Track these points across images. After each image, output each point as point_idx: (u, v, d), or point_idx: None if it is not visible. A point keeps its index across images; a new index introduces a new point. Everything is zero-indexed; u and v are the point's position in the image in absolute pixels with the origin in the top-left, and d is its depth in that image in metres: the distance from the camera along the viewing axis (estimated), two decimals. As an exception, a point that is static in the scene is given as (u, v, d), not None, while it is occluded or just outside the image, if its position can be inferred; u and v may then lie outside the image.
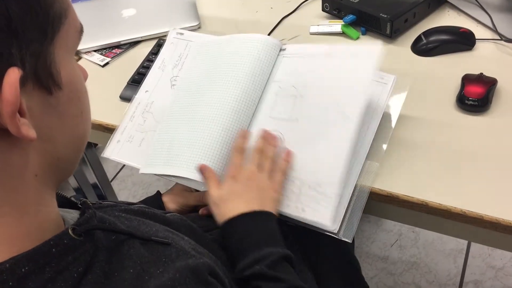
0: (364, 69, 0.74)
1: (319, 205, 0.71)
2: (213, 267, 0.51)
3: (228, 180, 0.71)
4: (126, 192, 1.90)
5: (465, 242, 1.58)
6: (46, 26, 0.38)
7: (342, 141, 0.71)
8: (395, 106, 0.80)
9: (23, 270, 0.37)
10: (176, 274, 0.45)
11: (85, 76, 0.47)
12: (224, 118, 0.77)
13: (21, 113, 0.36)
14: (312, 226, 0.71)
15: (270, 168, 0.73)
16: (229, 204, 0.69)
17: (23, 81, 0.36)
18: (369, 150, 0.74)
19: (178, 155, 0.77)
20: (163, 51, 0.93)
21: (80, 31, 0.43)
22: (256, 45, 0.82)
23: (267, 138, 0.75)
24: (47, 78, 0.38)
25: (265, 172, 0.72)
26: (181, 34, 0.94)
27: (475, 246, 1.57)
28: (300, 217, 0.71)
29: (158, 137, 0.82)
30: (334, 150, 0.72)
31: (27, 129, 0.36)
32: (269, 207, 0.69)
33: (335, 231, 0.70)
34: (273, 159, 0.73)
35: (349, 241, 0.70)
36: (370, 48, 0.76)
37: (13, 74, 0.34)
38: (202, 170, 0.73)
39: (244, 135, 0.76)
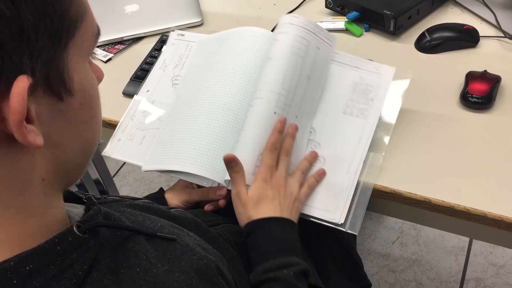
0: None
1: (326, 198, 0.72)
2: (218, 265, 0.51)
3: (259, 182, 0.69)
4: (128, 189, 1.90)
5: (467, 239, 1.58)
6: (60, 32, 0.36)
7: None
8: (396, 98, 0.80)
9: (27, 268, 0.36)
10: (181, 276, 0.45)
11: (100, 77, 0.46)
12: (226, 112, 0.77)
13: (29, 119, 0.35)
14: (317, 218, 0.72)
15: (301, 179, 0.72)
16: (258, 207, 0.67)
17: (33, 89, 0.35)
18: (371, 143, 0.75)
19: (181, 151, 0.77)
20: (164, 52, 0.93)
21: (97, 34, 0.42)
22: (254, 39, 0.82)
23: (293, 135, 0.73)
24: (58, 85, 0.37)
25: (296, 180, 0.71)
26: (182, 35, 0.94)
27: (476, 244, 1.57)
28: (306, 211, 0.72)
29: (160, 134, 0.82)
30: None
31: (34, 137, 0.36)
32: (294, 218, 0.69)
33: (341, 223, 0.70)
34: (303, 171, 0.73)
35: (356, 233, 0.70)
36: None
37: (22, 83, 0.34)
38: (231, 161, 0.68)
39: (279, 129, 0.71)
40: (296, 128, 0.74)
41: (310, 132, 0.77)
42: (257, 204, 0.68)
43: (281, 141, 0.72)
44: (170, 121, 0.82)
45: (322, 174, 0.74)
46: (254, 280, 0.62)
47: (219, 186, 0.77)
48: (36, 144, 0.36)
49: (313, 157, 0.75)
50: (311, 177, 0.73)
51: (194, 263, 0.47)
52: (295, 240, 0.67)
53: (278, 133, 0.71)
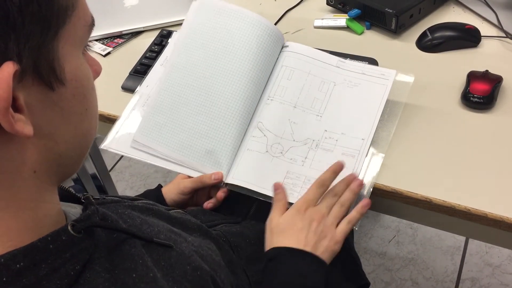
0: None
1: None
2: (212, 276, 0.50)
3: (292, 211, 0.67)
4: (124, 184, 1.89)
5: (463, 239, 1.59)
6: (50, 19, 0.36)
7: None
8: (398, 97, 0.80)
9: (17, 266, 0.36)
10: (174, 286, 0.44)
11: (98, 70, 0.45)
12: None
13: (17, 108, 0.35)
14: None
15: (340, 216, 0.68)
16: (282, 235, 0.65)
17: (20, 76, 0.35)
18: (372, 141, 0.76)
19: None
20: (166, 50, 0.93)
21: (91, 24, 0.41)
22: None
23: (349, 181, 0.70)
24: (48, 74, 0.37)
25: (334, 219, 0.68)
26: None
27: (472, 244, 1.57)
28: None
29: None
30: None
31: (22, 126, 0.35)
32: (323, 257, 0.65)
33: None
34: (347, 207, 0.69)
35: (355, 228, 0.70)
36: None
37: (7, 69, 0.33)
38: (278, 189, 0.70)
39: (335, 170, 0.69)
40: (361, 185, 0.69)
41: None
42: (282, 233, 0.66)
43: (333, 182, 0.69)
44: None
45: (365, 206, 0.68)
46: None
47: (215, 172, 0.77)
48: (24, 134, 0.35)
49: (358, 186, 0.69)
50: (353, 211, 0.68)
51: (188, 274, 0.47)
52: (319, 281, 0.62)
53: (331, 173, 0.69)
